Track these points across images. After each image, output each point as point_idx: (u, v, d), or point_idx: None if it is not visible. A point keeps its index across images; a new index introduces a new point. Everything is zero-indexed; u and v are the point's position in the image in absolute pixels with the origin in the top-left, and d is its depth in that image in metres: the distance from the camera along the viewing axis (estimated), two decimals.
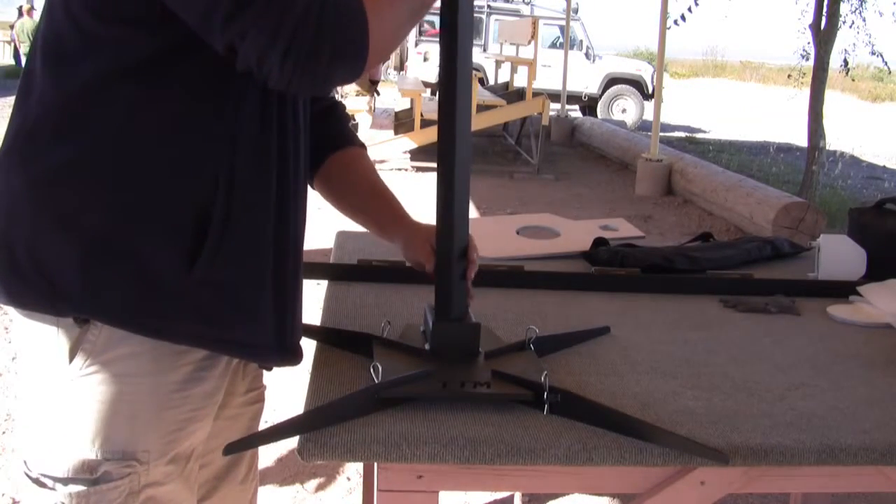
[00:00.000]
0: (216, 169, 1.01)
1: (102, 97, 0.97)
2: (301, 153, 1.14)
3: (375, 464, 1.04)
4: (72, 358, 1.01)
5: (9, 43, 19.64)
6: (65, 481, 1.02)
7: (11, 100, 1.20)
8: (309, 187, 1.25)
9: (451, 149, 1.13)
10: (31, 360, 1.05)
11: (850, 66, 9.68)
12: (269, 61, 0.89)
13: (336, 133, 1.36)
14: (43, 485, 1.02)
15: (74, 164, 0.98)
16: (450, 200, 1.15)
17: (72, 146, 0.98)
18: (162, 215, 0.99)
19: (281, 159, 1.08)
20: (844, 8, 8.59)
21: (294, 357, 1.15)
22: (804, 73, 9.61)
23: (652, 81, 14.19)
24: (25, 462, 1.05)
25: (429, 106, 9.07)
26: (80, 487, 1.01)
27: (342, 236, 1.96)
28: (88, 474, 1.02)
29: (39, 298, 1.00)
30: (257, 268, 1.06)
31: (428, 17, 15.00)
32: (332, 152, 1.34)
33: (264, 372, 1.26)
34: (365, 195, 1.35)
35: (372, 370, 1.10)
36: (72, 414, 1.02)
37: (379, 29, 0.94)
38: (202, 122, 1.00)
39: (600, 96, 15.20)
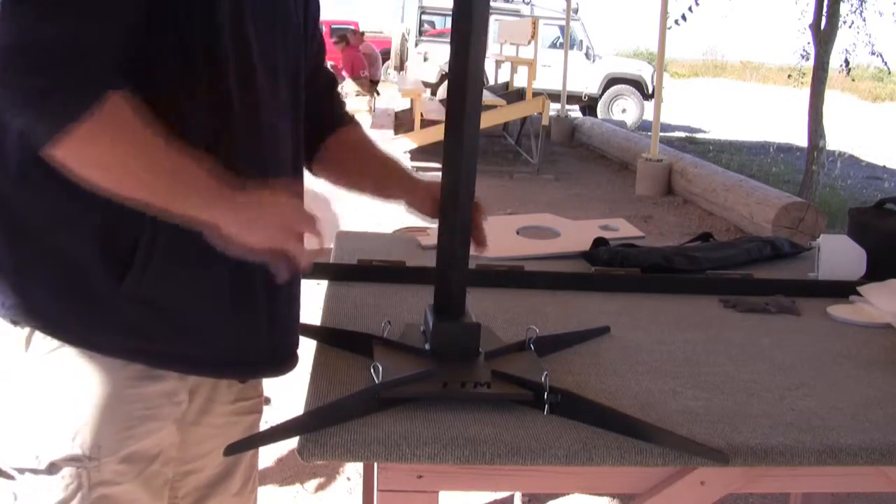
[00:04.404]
0: None
1: None
2: (281, 163, 1.13)
3: (375, 464, 1.04)
4: (27, 348, 1.03)
5: None
6: (21, 471, 1.04)
7: None
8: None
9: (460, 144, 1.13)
10: None
11: (850, 66, 9.67)
12: None
13: (332, 114, 1.36)
14: (7, 475, 1.05)
15: (24, 171, 0.99)
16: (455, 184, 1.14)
17: (25, 152, 0.98)
18: (95, 229, 1.00)
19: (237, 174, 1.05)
20: (844, 8, 8.58)
21: (275, 367, 1.15)
22: (804, 73, 9.60)
23: (652, 81, 14.18)
24: None
25: (429, 106, 9.07)
26: (33, 478, 1.03)
27: (342, 236, 1.96)
28: (39, 466, 1.03)
29: None
30: (200, 284, 1.06)
31: (428, 18, 15.04)
32: (329, 134, 1.34)
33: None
34: (366, 162, 1.36)
35: (372, 370, 1.10)
36: (26, 405, 1.03)
37: (85, 146, 0.91)
38: None
39: (600, 96, 15.18)
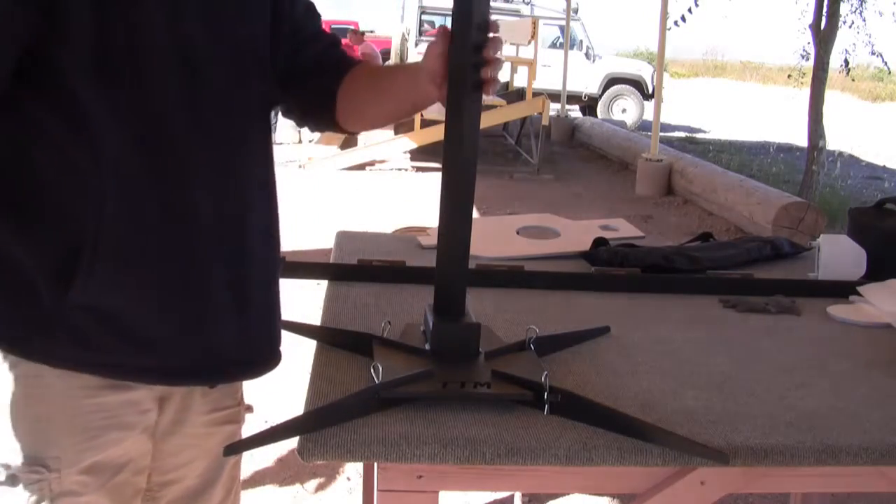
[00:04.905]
0: (86, 191, 0.99)
1: None
2: (230, 164, 1.10)
3: (375, 464, 1.04)
4: None
5: None
6: None
7: None
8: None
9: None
10: None
11: (850, 66, 9.67)
12: None
13: (339, 61, 1.28)
14: None
15: None
16: (455, 199, 1.14)
17: None
18: (36, 238, 0.99)
19: (174, 176, 1.04)
20: (844, 8, 8.58)
21: (249, 369, 1.14)
22: (804, 73, 9.60)
23: (652, 81, 14.17)
24: None
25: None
26: None
27: (342, 236, 1.96)
28: (0, 478, 1.02)
29: None
30: (150, 288, 1.04)
31: (428, 18, 15.04)
32: (343, 76, 1.26)
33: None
34: (377, 80, 1.28)
35: (372, 370, 1.10)
36: None
37: None
38: (64, 150, 0.99)
39: (600, 96, 15.18)
